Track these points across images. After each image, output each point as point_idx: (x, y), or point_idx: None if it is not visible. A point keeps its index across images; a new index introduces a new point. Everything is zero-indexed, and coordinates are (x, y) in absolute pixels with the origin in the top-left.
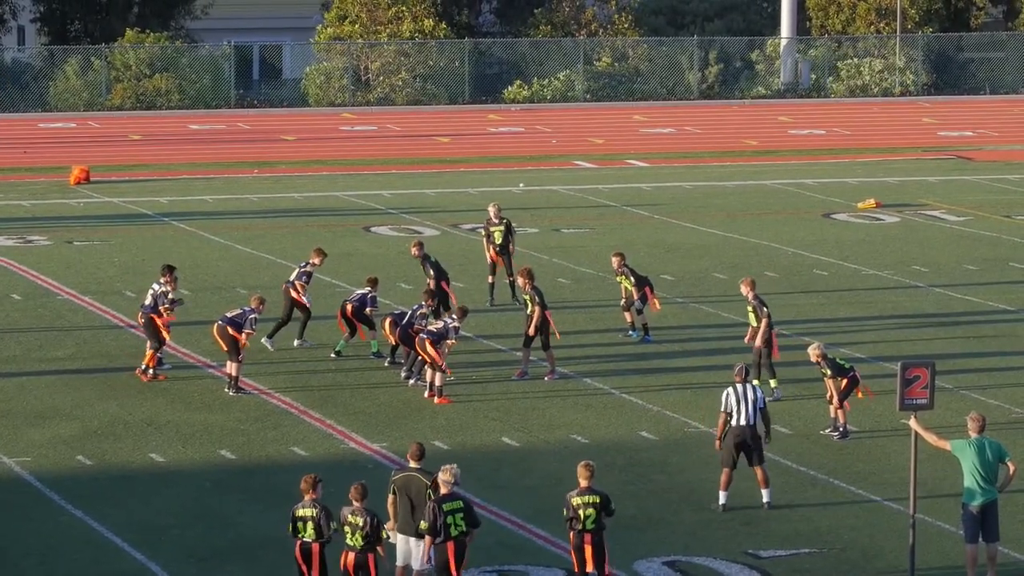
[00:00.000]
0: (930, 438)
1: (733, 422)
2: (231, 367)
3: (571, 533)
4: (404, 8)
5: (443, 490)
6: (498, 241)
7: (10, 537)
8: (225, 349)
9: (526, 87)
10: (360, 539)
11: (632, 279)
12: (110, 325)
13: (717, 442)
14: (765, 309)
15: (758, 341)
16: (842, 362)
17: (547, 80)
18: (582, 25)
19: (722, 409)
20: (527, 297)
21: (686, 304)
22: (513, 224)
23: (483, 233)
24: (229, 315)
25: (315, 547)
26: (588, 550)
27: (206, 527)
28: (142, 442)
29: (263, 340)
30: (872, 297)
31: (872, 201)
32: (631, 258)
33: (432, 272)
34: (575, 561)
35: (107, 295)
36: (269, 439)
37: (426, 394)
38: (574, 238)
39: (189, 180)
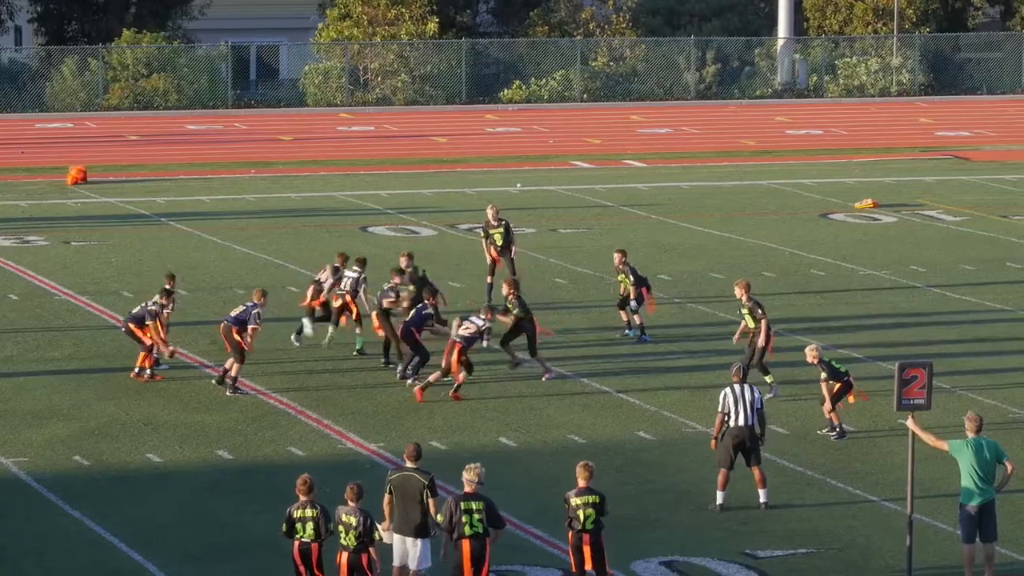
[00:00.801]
0: (927, 439)
1: (731, 422)
2: (232, 367)
3: (569, 533)
4: (403, 9)
5: (466, 488)
6: (499, 243)
7: (8, 537)
8: (229, 349)
9: (523, 87)
10: (354, 539)
11: (631, 278)
12: (108, 325)
13: (713, 442)
14: (760, 311)
15: (760, 341)
16: (837, 365)
17: (544, 80)
18: (579, 25)
19: (720, 409)
20: (509, 305)
21: (683, 304)
22: (512, 225)
23: (482, 234)
24: (233, 314)
25: (314, 547)
26: (587, 550)
27: (203, 527)
28: (139, 442)
29: (293, 335)
30: (869, 297)
31: (869, 201)
32: (630, 258)
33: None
34: (573, 561)
35: (104, 295)
36: (266, 439)
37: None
38: (571, 238)
39: (186, 180)
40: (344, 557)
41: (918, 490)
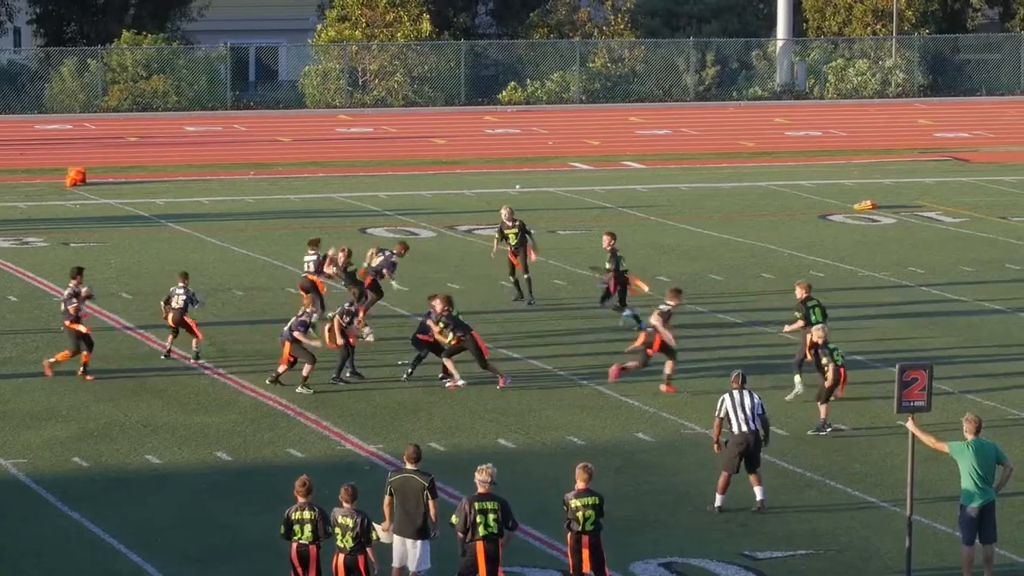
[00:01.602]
0: (927, 440)
1: (734, 429)
2: (305, 368)
3: (568, 534)
4: (403, 11)
5: (480, 489)
6: (513, 242)
7: (7, 538)
8: (297, 358)
9: (522, 89)
10: (350, 540)
11: (610, 264)
12: (106, 327)
13: (715, 446)
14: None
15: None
16: (839, 356)
17: (543, 82)
18: (578, 27)
19: (717, 414)
20: (441, 324)
21: (682, 305)
22: (528, 226)
23: (497, 236)
24: (288, 327)
25: (312, 549)
26: (585, 552)
27: (202, 528)
28: (138, 444)
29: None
30: (868, 298)
31: (868, 202)
32: (628, 259)
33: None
34: (571, 563)
35: (103, 297)
36: (265, 441)
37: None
38: (570, 239)
39: (185, 182)
40: (340, 559)
41: (917, 492)
